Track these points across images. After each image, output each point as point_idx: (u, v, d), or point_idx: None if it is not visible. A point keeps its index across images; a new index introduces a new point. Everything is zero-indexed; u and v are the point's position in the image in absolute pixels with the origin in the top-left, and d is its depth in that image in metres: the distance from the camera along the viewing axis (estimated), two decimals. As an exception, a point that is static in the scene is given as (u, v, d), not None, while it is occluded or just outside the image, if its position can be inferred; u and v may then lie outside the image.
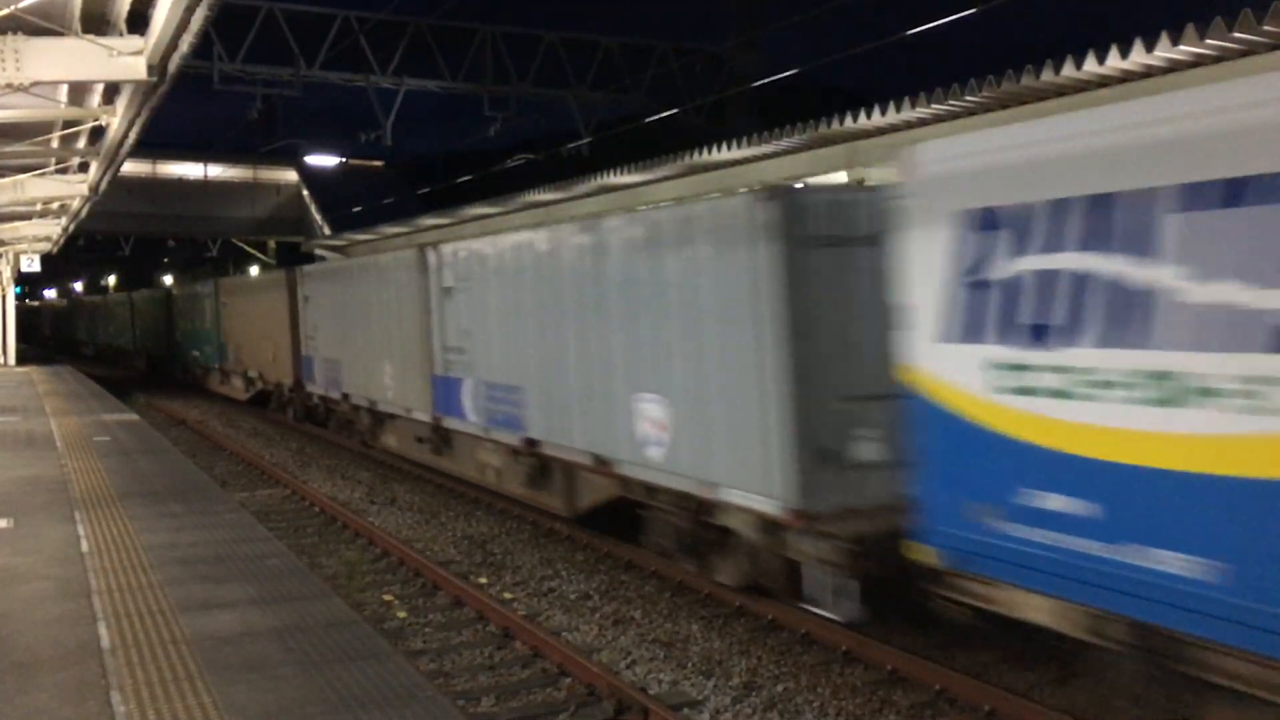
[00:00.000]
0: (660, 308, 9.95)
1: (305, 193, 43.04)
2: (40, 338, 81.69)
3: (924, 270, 7.19)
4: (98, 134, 15.54)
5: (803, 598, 8.55)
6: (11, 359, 36.76)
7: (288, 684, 5.78)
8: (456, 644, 9.44)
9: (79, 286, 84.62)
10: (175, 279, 62.45)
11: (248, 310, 27.68)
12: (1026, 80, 9.40)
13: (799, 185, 10.44)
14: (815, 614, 8.59)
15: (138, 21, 9.85)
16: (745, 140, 13.14)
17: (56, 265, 68.05)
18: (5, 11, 8.91)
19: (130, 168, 30.36)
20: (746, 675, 8.48)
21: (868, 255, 8.36)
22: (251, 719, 5.39)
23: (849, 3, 16.44)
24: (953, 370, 6.96)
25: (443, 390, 15.17)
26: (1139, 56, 8.49)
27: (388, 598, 10.88)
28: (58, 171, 19.27)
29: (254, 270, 48.55)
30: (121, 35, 10.00)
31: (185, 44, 9.60)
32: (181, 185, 43.12)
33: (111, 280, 79.74)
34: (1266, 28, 7.64)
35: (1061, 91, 9.53)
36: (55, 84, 11.66)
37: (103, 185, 19.68)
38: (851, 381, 8.40)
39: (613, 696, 7.86)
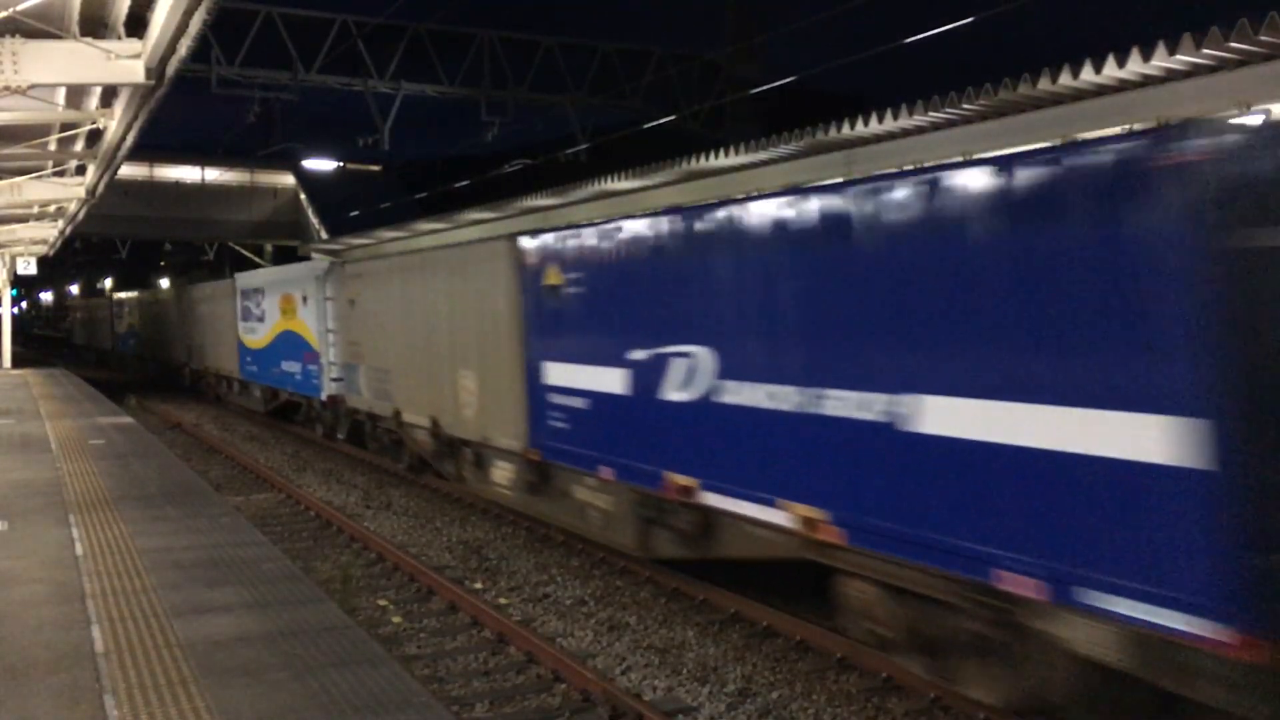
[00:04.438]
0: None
1: (302, 196, 42.99)
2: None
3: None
4: (95, 137, 15.52)
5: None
6: (7, 362, 36.70)
7: (282, 689, 5.77)
8: (451, 649, 9.43)
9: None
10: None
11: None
12: (1023, 89, 9.42)
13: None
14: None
15: (136, 24, 9.84)
16: (743, 147, 13.15)
17: (53, 268, 67.89)
18: (3, 14, 8.90)
19: (127, 171, 30.40)
20: (741, 682, 8.47)
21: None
22: (245, 724, 5.37)
23: (847, 9, 16.46)
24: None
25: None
26: (1136, 65, 8.51)
27: (382, 603, 10.87)
28: (55, 174, 19.23)
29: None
30: (120, 38, 9.97)
31: (183, 47, 9.59)
32: (179, 188, 43.05)
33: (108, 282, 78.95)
34: (1263, 37, 7.67)
35: (1059, 100, 9.56)
36: (53, 87, 11.64)
37: (100, 188, 19.67)
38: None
39: (607, 703, 7.85)
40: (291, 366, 23.06)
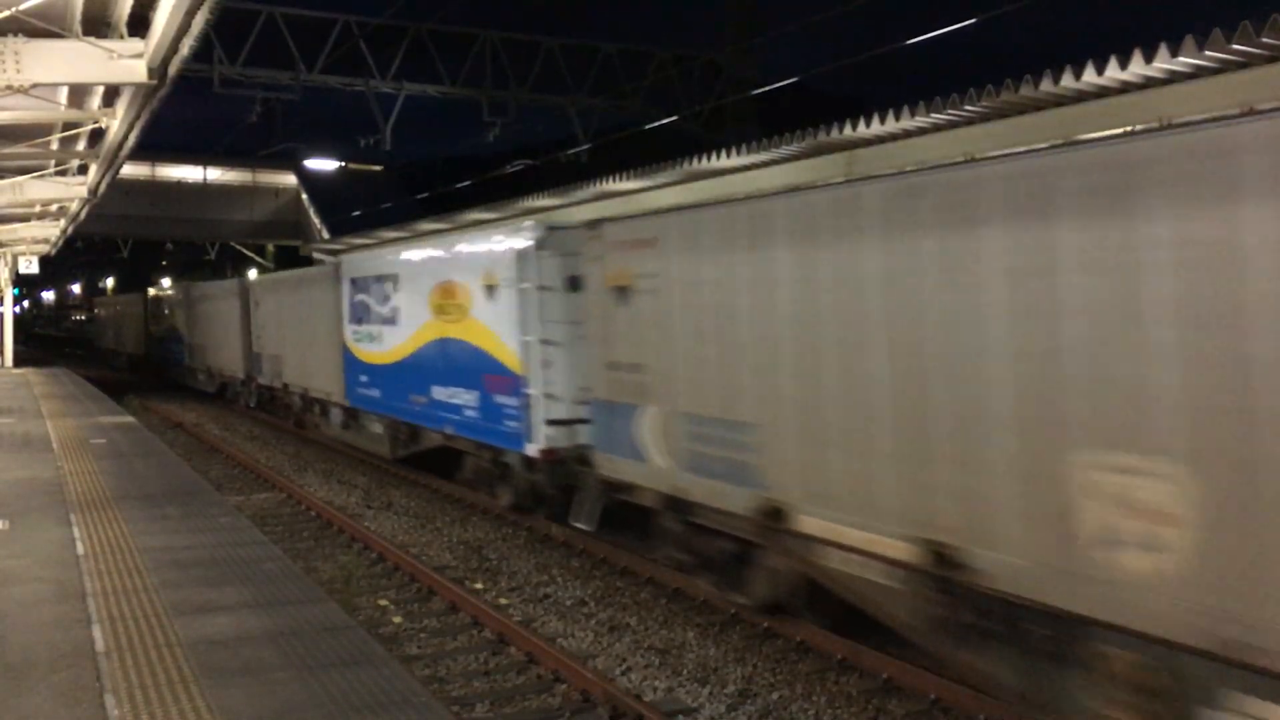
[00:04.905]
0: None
1: (304, 196, 43.03)
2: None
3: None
4: (97, 136, 15.52)
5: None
6: (9, 361, 36.74)
7: (282, 688, 5.77)
8: (451, 649, 9.44)
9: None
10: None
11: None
12: (1025, 90, 9.42)
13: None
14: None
15: (138, 24, 9.84)
16: (745, 148, 13.14)
17: (54, 267, 68.05)
18: (6, 13, 8.91)
19: (129, 170, 30.40)
20: (741, 683, 8.47)
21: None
22: (246, 723, 5.38)
23: (848, 10, 16.47)
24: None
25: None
26: (1138, 68, 8.51)
27: (383, 603, 10.88)
28: (57, 173, 19.23)
29: (253, 273, 48.55)
30: (122, 38, 9.98)
31: (186, 47, 9.59)
32: (180, 188, 43.10)
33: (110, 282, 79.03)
34: (1265, 40, 7.66)
35: (1060, 102, 9.54)
36: (55, 86, 11.65)
37: (102, 187, 19.67)
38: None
39: (607, 703, 7.86)
40: (455, 394, 15.36)
